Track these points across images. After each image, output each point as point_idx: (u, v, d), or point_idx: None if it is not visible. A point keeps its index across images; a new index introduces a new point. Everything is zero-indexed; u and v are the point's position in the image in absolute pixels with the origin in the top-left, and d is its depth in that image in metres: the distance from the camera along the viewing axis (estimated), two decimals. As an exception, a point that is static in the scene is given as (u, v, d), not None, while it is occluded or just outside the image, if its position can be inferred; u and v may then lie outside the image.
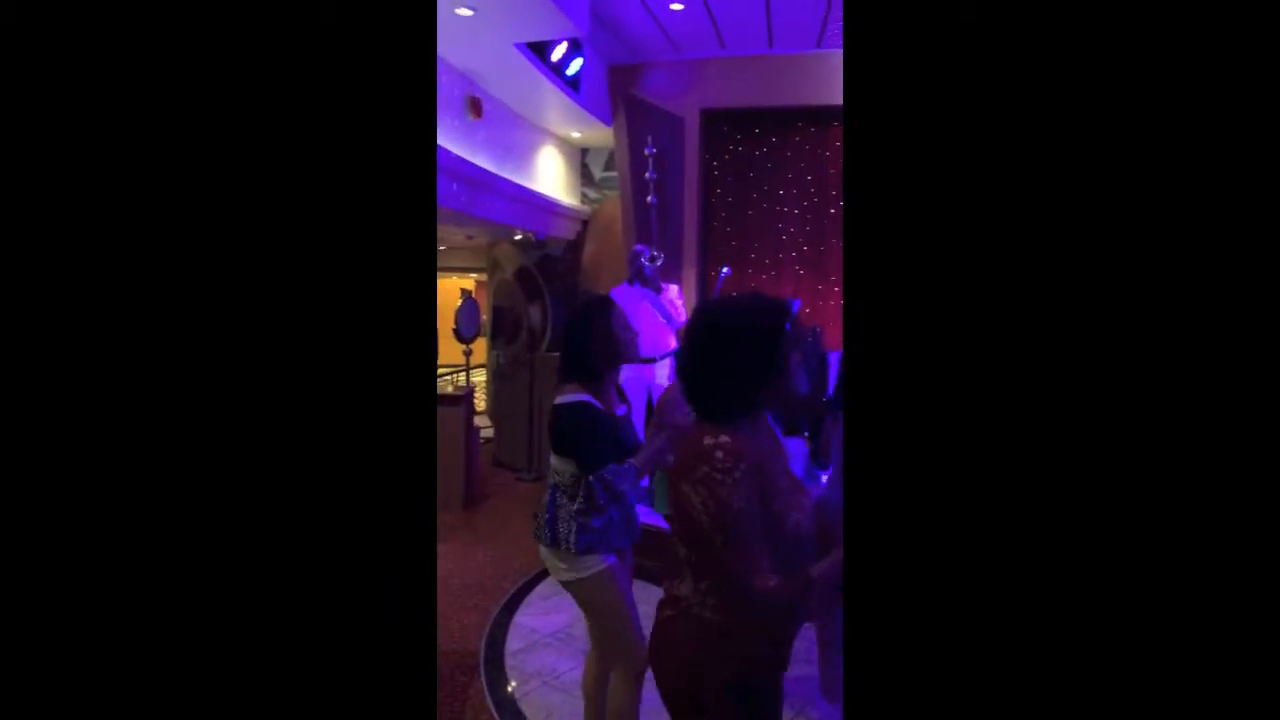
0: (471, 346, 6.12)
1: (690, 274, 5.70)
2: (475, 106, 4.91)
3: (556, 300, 6.84)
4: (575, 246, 6.91)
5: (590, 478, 1.89)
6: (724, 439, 1.21)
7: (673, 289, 5.01)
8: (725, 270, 5.09)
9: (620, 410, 2.03)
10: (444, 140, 4.51)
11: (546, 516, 1.94)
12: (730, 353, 1.24)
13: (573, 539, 1.89)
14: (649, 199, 5.53)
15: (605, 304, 1.99)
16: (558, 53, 4.73)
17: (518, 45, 4.27)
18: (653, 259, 4.71)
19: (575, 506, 1.90)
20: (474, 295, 6.29)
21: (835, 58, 5.26)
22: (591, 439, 1.88)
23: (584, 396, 1.92)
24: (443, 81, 4.61)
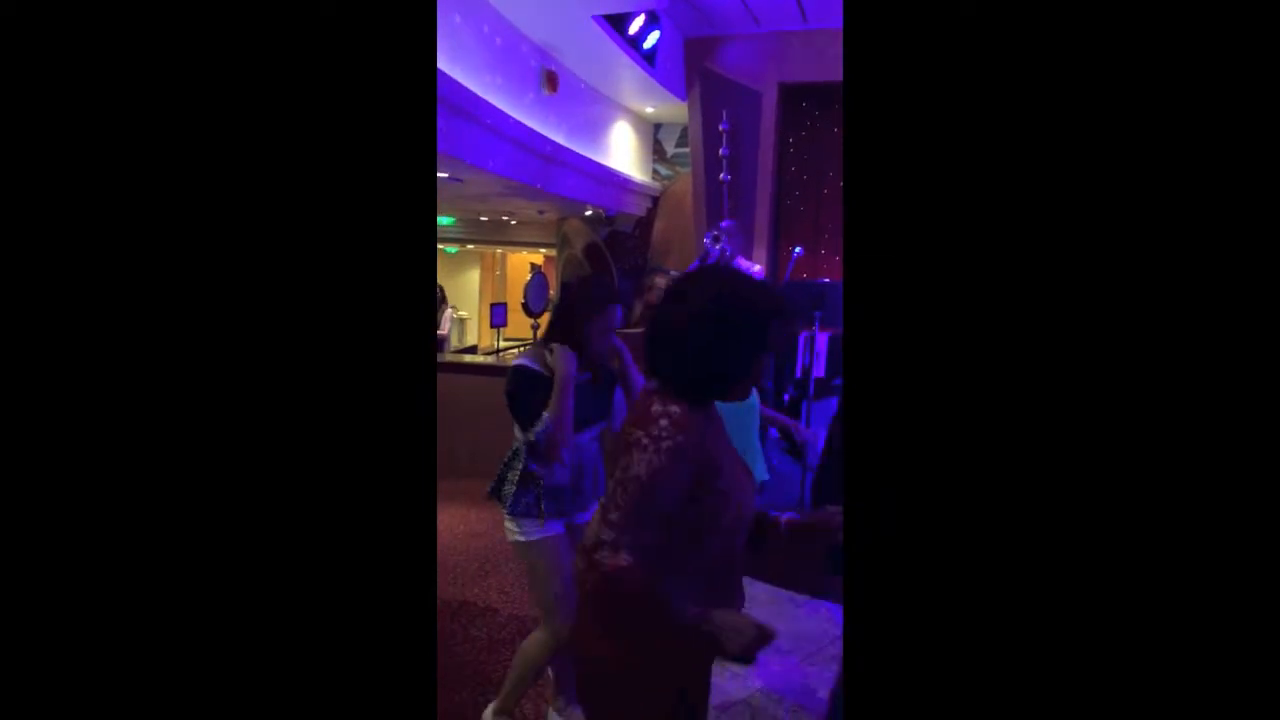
0: (539, 321, 6.18)
1: (761, 253, 5.60)
2: (551, 80, 4.91)
3: (624, 277, 6.84)
4: (645, 223, 6.88)
5: (525, 440, 1.92)
6: (674, 408, 1.17)
7: (754, 268, 4.93)
8: (798, 250, 4.98)
9: (582, 377, 2.02)
10: (518, 113, 4.52)
11: (497, 476, 2.01)
12: (709, 336, 1.19)
13: (509, 500, 1.94)
14: (722, 176, 5.44)
15: (601, 297, 2.00)
16: (635, 25, 4.68)
17: (595, 17, 4.23)
18: (715, 239, 4.64)
19: (519, 468, 1.95)
20: (543, 270, 6.34)
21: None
22: (525, 401, 1.90)
23: (526, 360, 1.95)
24: (519, 54, 4.61)
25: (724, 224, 4.71)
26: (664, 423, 1.14)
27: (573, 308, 1.96)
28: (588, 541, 1.16)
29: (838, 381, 4.05)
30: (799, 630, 2.67)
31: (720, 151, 5.43)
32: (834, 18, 5.10)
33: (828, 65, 5.31)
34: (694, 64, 5.59)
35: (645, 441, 1.14)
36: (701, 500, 1.17)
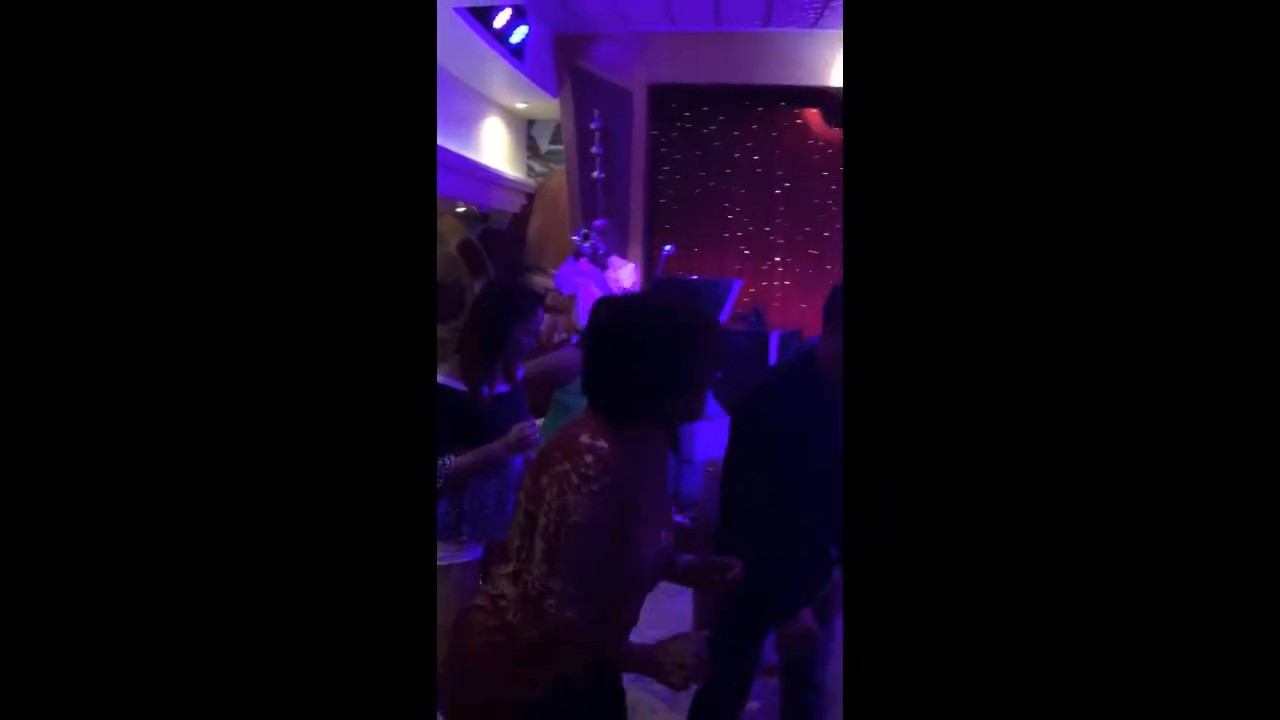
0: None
1: (635, 251, 5.65)
2: (415, 72, 4.73)
3: (501, 275, 6.73)
4: (521, 219, 6.78)
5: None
6: (601, 444, 1.12)
7: (628, 267, 4.94)
8: (668, 249, 5.05)
9: (502, 389, 1.94)
10: (381, 107, 4.33)
11: None
12: (648, 357, 1.15)
13: None
14: (595, 174, 5.45)
15: (527, 299, 1.92)
16: (501, 19, 4.59)
17: (457, 9, 4.12)
18: (585, 237, 4.63)
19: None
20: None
21: (783, 38, 5.23)
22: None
23: (444, 378, 1.83)
24: (380, 45, 4.41)
25: (596, 222, 4.70)
26: (590, 459, 1.09)
27: (494, 314, 1.85)
28: (530, 590, 1.10)
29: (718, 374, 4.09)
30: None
31: (593, 149, 5.44)
32: (699, 20, 5.20)
33: (695, 67, 5.41)
34: (564, 61, 5.55)
35: (575, 480, 1.08)
36: (617, 546, 1.14)
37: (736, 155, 5.79)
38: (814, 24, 5.06)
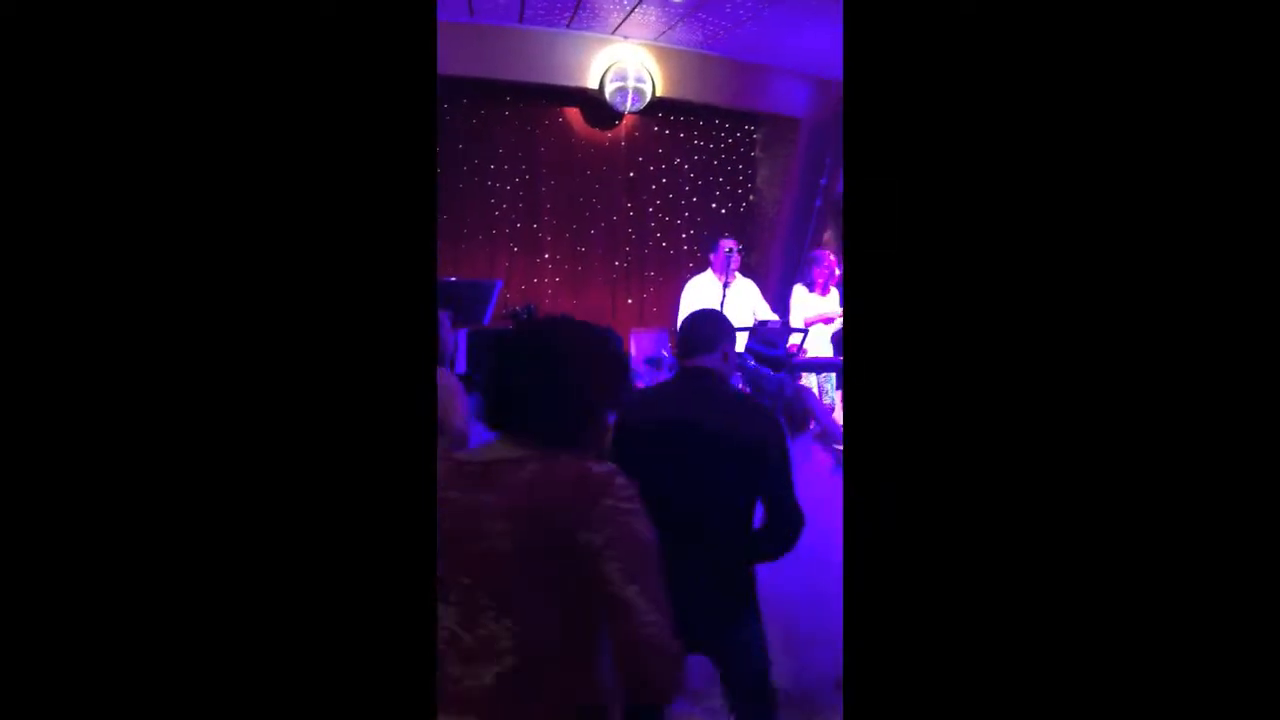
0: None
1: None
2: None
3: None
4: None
5: None
6: (608, 464, 1.00)
7: None
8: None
9: None
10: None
11: None
12: (572, 372, 1.07)
13: None
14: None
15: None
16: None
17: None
18: None
19: None
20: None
21: (543, 36, 5.24)
22: None
23: None
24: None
25: None
26: (619, 481, 0.99)
27: None
28: (652, 639, 0.94)
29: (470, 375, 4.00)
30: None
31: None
32: (506, 15, 5.03)
33: (453, 59, 5.25)
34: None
35: (624, 506, 0.97)
36: None
37: (501, 151, 5.73)
38: (569, 25, 5.13)
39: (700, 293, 4.25)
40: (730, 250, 4.09)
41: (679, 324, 2.23)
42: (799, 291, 4.43)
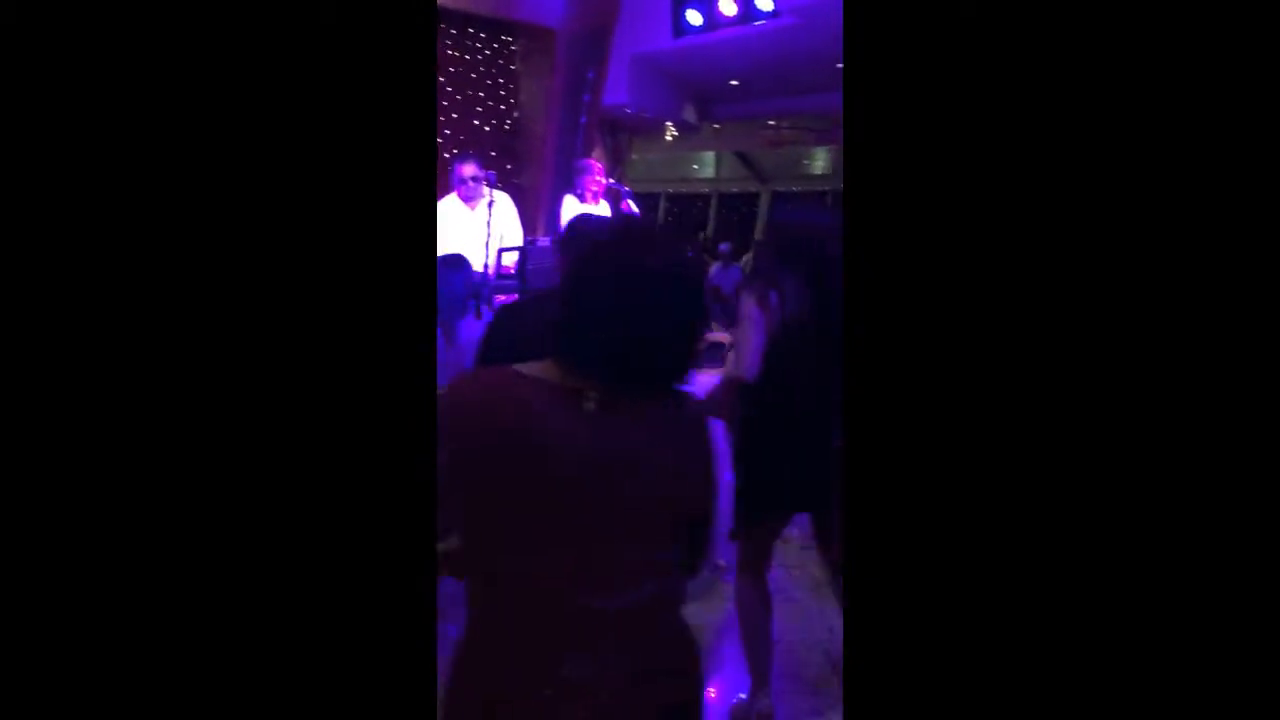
0: None
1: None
2: None
3: None
4: None
5: None
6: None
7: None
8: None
9: None
10: None
11: None
12: (658, 302, 0.98)
13: None
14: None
15: None
16: None
17: None
18: None
19: None
20: None
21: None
22: None
23: None
24: None
25: None
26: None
27: None
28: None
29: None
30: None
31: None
32: None
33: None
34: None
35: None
36: None
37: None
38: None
39: (445, 218, 3.96)
40: (474, 177, 3.79)
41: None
42: (569, 202, 4.40)
